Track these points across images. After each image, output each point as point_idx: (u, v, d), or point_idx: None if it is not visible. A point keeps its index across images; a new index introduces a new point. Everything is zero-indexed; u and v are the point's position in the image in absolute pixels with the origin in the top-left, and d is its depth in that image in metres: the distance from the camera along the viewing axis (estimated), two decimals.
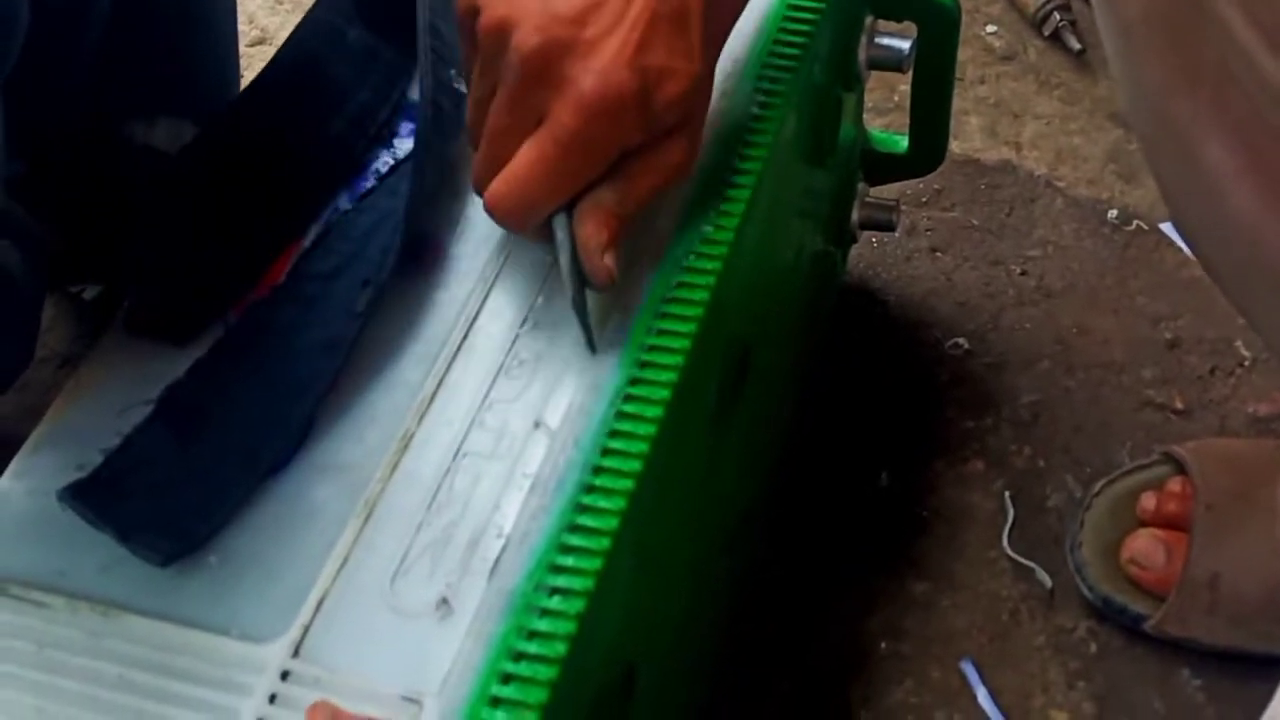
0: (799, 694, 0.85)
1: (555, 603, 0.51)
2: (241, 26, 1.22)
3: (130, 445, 0.58)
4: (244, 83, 1.16)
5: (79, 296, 1.00)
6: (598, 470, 0.55)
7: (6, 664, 0.52)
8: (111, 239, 0.90)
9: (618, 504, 0.54)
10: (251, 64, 1.19)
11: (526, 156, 0.57)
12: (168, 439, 0.58)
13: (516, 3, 0.56)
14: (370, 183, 0.69)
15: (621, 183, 0.59)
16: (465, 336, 0.62)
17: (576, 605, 0.51)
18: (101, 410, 0.61)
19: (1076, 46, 1.19)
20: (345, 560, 0.54)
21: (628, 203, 0.59)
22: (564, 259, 0.59)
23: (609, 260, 0.59)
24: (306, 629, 0.52)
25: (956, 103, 0.96)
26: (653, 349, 0.60)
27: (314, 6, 0.72)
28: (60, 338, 1.01)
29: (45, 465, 0.59)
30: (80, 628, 0.53)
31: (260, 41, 1.24)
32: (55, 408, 0.62)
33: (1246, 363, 0.99)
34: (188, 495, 0.56)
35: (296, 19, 0.74)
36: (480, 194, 0.60)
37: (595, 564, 0.52)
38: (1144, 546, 0.84)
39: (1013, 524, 0.91)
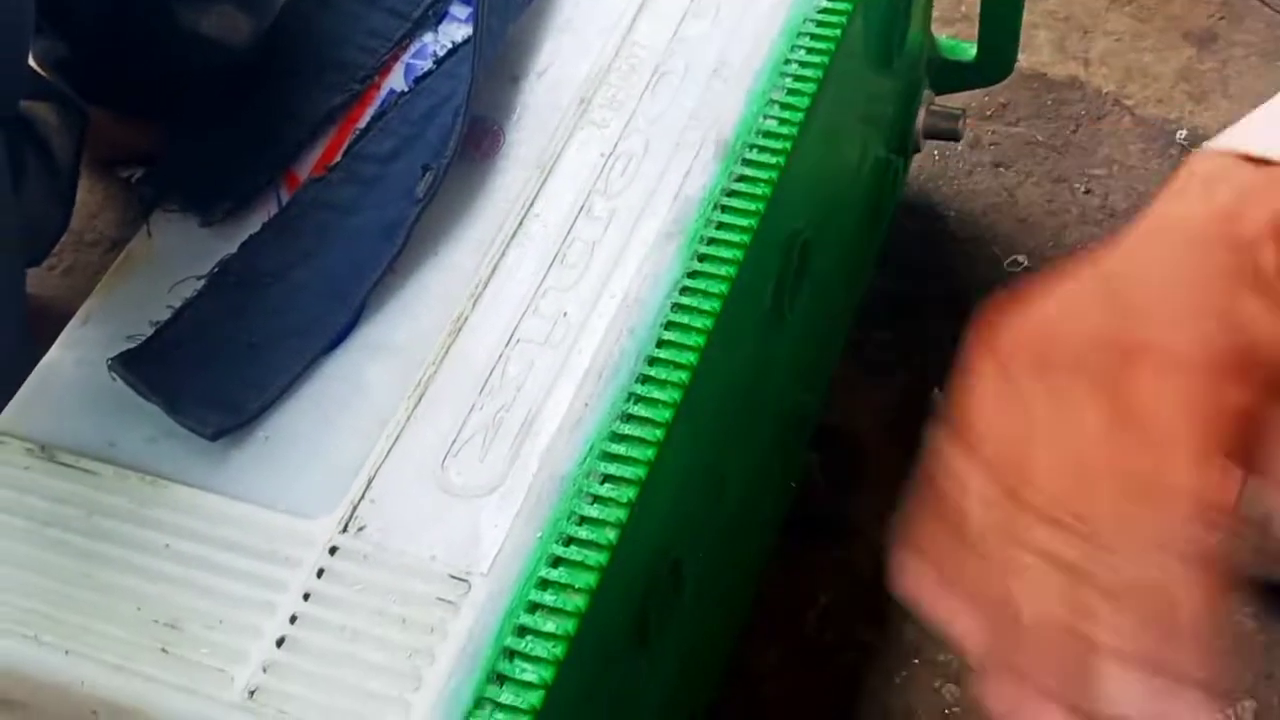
0: (842, 605, 0.85)
1: (607, 490, 0.51)
2: None
3: (181, 318, 0.58)
4: None
5: (128, 180, 1.00)
6: (653, 360, 0.55)
7: (55, 529, 0.52)
8: (162, 123, 0.89)
9: (672, 395, 0.53)
10: None
11: None
12: (220, 312, 0.58)
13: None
14: (428, 65, 0.67)
15: None
16: (521, 223, 0.61)
17: (628, 493, 0.50)
18: (152, 284, 0.60)
19: None
20: (396, 439, 0.53)
21: None
22: None
23: None
24: (355, 506, 0.51)
25: (1025, 16, 0.93)
26: (712, 241, 0.58)
27: None
28: (109, 221, 1.01)
29: (95, 336, 0.59)
30: (128, 496, 0.52)
31: None
32: (105, 281, 0.61)
33: None
34: (239, 370, 0.56)
35: None
36: None
37: (648, 453, 0.52)
38: None
39: None
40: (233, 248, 0.61)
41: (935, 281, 0.99)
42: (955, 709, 0.81)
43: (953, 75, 0.95)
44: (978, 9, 0.91)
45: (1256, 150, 0.43)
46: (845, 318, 0.90)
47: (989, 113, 1.08)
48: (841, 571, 0.86)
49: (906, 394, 0.94)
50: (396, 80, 0.67)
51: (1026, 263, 0.99)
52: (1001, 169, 1.05)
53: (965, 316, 0.97)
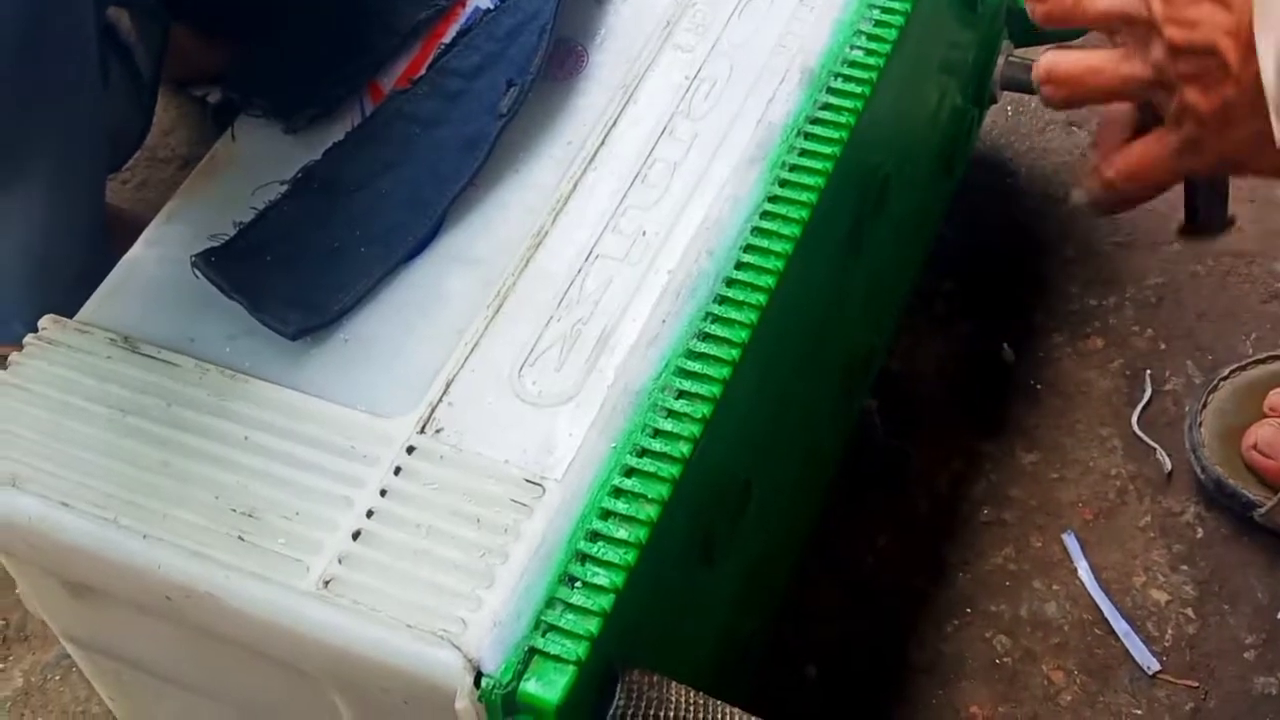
0: (897, 549, 0.85)
1: (681, 405, 0.51)
2: None
3: (265, 219, 0.58)
4: None
5: (204, 100, 1.00)
6: (730, 282, 0.55)
7: (135, 417, 0.52)
8: (241, 41, 0.89)
9: (749, 316, 0.53)
10: None
11: None
12: (303, 215, 0.58)
13: None
14: None
15: None
16: (603, 143, 0.61)
17: (703, 409, 0.51)
18: (236, 186, 0.60)
19: None
20: (474, 347, 0.53)
21: None
22: None
23: None
24: (433, 408, 0.52)
25: None
26: (794, 168, 0.58)
27: None
28: (181, 140, 1.02)
29: (178, 235, 0.59)
30: (209, 388, 0.53)
31: None
32: (189, 183, 0.61)
33: None
34: (321, 272, 0.56)
35: None
36: None
37: (723, 372, 0.52)
38: (1269, 435, 0.82)
39: (1145, 403, 0.89)
40: (317, 155, 0.61)
41: (1002, 237, 0.98)
42: (1006, 659, 0.81)
43: (1032, 28, 0.93)
44: None
45: None
46: (915, 263, 0.90)
47: None
48: (898, 517, 0.86)
49: (969, 346, 0.93)
50: None
51: (1096, 223, 0.99)
52: (1074, 128, 1.04)
53: (1030, 274, 0.96)
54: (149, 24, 0.83)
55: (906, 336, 0.92)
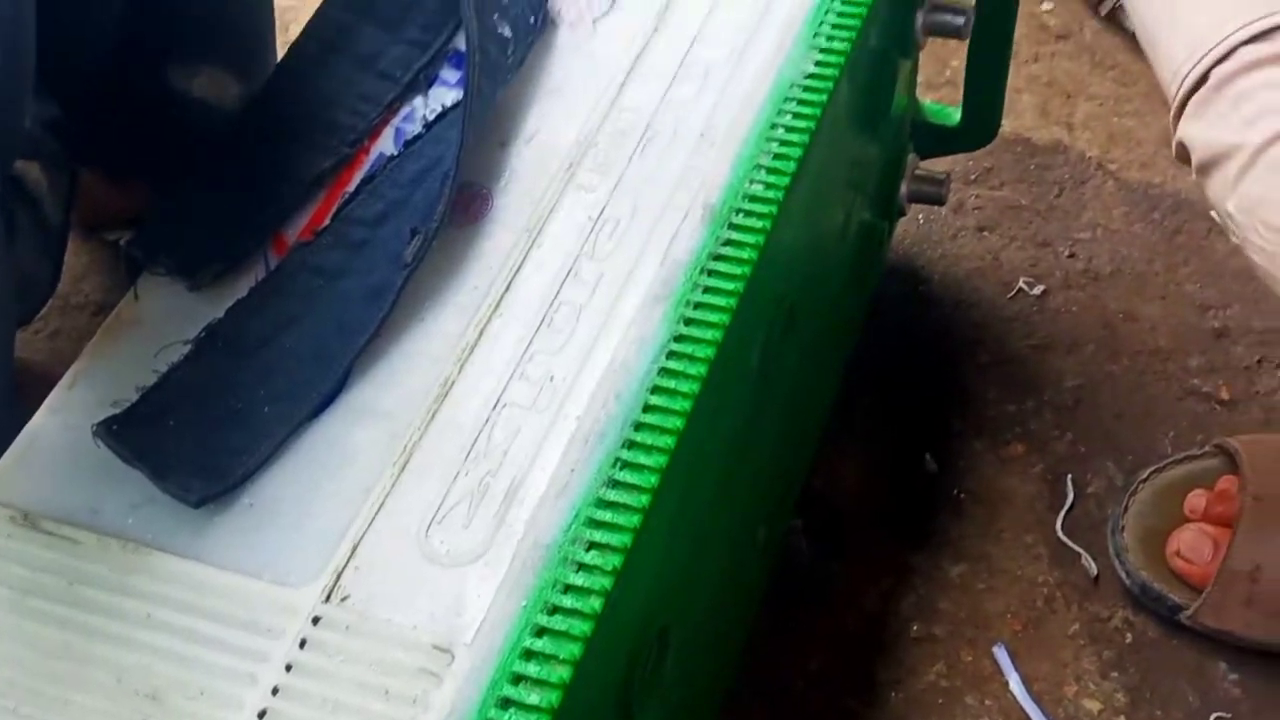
0: (828, 672, 0.84)
1: (592, 557, 0.50)
2: None
3: (167, 383, 0.57)
4: (290, 34, 1.16)
5: (115, 244, 1.00)
6: (639, 426, 0.54)
7: (36, 599, 0.51)
8: (152, 185, 0.89)
9: (658, 460, 0.53)
10: (298, 16, 1.18)
11: None
12: (206, 376, 0.58)
13: None
14: (417, 129, 0.68)
15: None
16: (508, 287, 0.61)
17: (613, 561, 0.50)
18: (139, 348, 0.60)
19: (1133, 28, 1.17)
20: (380, 506, 0.53)
21: None
22: None
23: None
24: (339, 574, 0.51)
25: (1010, 80, 0.94)
26: (699, 305, 0.58)
27: None
28: (95, 285, 1.01)
29: (81, 401, 0.58)
30: (111, 564, 0.52)
31: None
32: (92, 345, 0.61)
33: None
34: (224, 435, 0.55)
35: None
36: None
37: (634, 520, 0.51)
38: (1191, 540, 0.83)
39: (1068, 507, 0.90)
40: (220, 312, 0.60)
41: (919, 346, 0.99)
42: None
43: (937, 140, 0.96)
44: (962, 74, 0.92)
45: None
46: (831, 380, 0.90)
47: (973, 177, 1.09)
48: (828, 637, 0.85)
49: (891, 458, 0.93)
50: (386, 144, 0.67)
51: (1012, 327, 1.00)
52: (986, 233, 1.06)
53: (948, 381, 0.97)
54: (57, 173, 0.83)
55: (827, 451, 0.92)
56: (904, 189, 0.92)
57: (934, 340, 1.00)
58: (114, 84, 0.77)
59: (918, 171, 0.93)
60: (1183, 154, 0.57)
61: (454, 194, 0.62)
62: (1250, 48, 0.53)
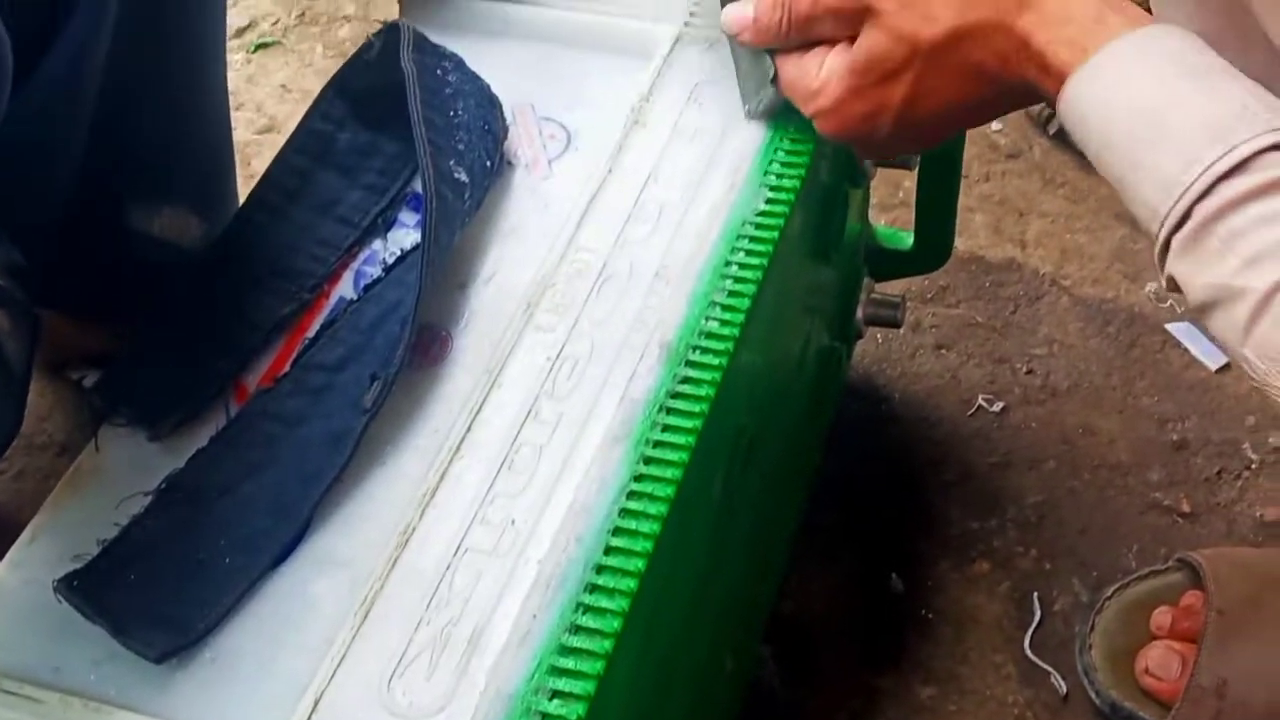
0: None
1: (555, 706, 0.50)
2: (250, 114, 1.23)
3: (127, 537, 0.58)
4: (253, 168, 1.18)
5: (79, 383, 1.00)
6: (600, 569, 0.55)
7: None
8: (115, 325, 0.90)
9: (620, 604, 0.53)
10: (261, 151, 1.20)
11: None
12: (167, 529, 0.58)
13: None
14: (377, 272, 0.69)
15: None
16: (469, 429, 0.61)
17: (577, 709, 0.50)
18: (100, 501, 0.60)
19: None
20: (343, 658, 0.53)
21: None
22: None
23: None
24: None
25: (961, 199, 0.96)
26: (657, 444, 0.59)
27: (307, 114, 0.72)
28: (59, 425, 1.01)
29: (41, 556, 0.58)
30: None
31: (269, 129, 1.25)
32: (53, 498, 0.61)
33: (1254, 465, 0.99)
34: (185, 588, 0.55)
35: (303, 106, 0.74)
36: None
37: (597, 666, 0.51)
38: (1159, 657, 0.83)
39: (1035, 625, 0.90)
40: (181, 462, 0.61)
41: (881, 465, 1.00)
42: None
43: (892, 263, 0.97)
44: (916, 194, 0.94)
45: None
46: (795, 506, 0.91)
47: (929, 295, 1.10)
48: None
49: (858, 579, 0.94)
50: (346, 288, 0.68)
51: (973, 445, 1.01)
52: (943, 351, 1.07)
53: (912, 500, 0.98)
54: (20, 316, 0.83)
55: (794, 575, 0.92)
56: (860, 313, 0.94)
57: (896, 459, 1.01)
58: (75, 226, 0.78)
59: (873, 295, 0.95)
60: (1174, 288, 0.56)
61: (413, 338, 0.63)
62: (1230, 183, 0.53)
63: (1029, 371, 1.05)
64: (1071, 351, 1.07)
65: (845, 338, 0.95)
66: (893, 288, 1.01)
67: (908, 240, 0.96)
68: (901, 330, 1.06)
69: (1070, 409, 1.03)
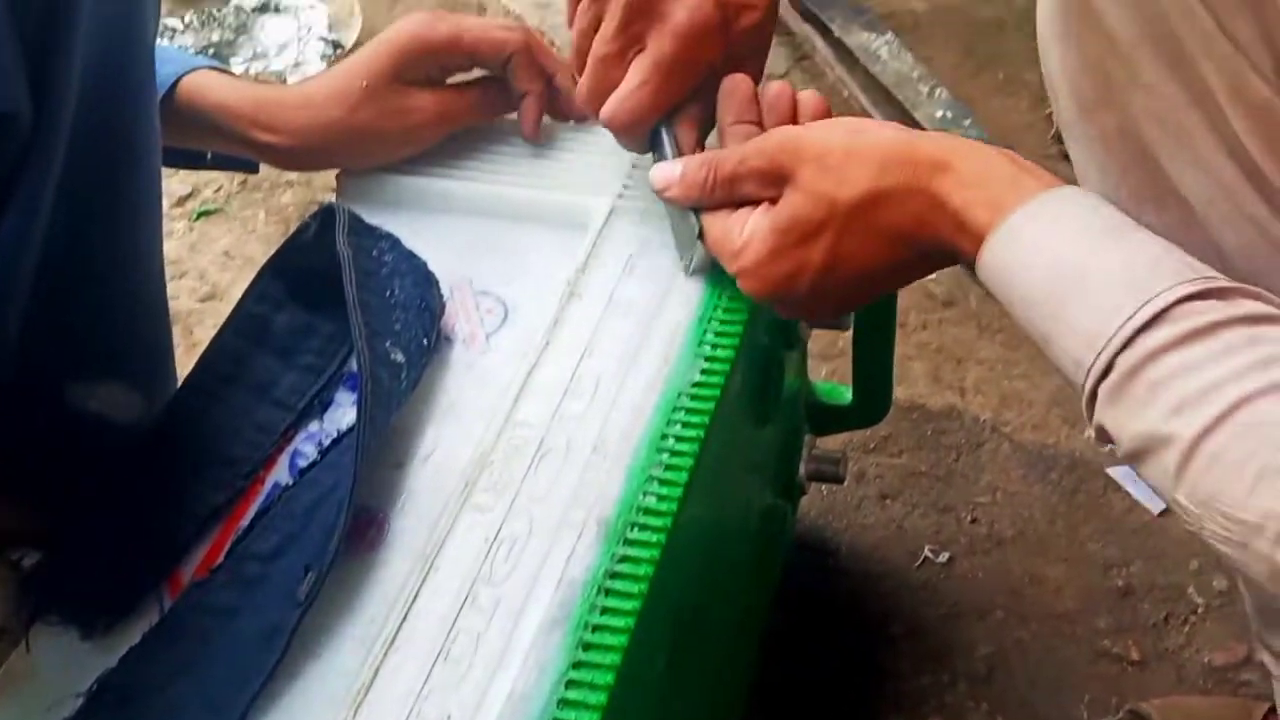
0: None
1: None
2: (192, 283, 1.23)
3: None
4: (195, 337, 1.18)
5: (18, 563, 0.98)
6: None
7: None
8: (52, 505, 0.88)
9: None
10: (203, 320, 1.20)
11: (634, 79, 0.71)
12: None
13: None
14: (313, 455, 0.68)
15: (706, 95, 0.72)
16: (405, 617, 0.60)
17: None
18: (30, 703, 0.59)
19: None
20: None
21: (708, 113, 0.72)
22: (667, 160, 0.71)
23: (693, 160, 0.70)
24: None
25: (899, 349, 0.97)
26: (597, 628, 0.59)
27: (244, 296, 0.72)
28: None
29: None
30: None
31: (211, 297, 1.25)
32: None
33: (1199, 609, 0.99)
34: None
35: (249, 275, 0.74)
36: (587, 112, 0.75)
37: None
38: None
39: None
40: (113, 660, 0.60)
41: (830, 620, 1.00)
42: None
43: (832, 419, 0.98)
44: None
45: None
46: (744, 666, 0.90)
47: (872, 445, 1.11)
48: None
49: None
50: (281, 473, 0.68)
51: (921, 596, 1.01)
52: (888, 501, 1.07)
53: (861, 656, 0.97)
54: None
55: None
56: (803, 469, 0.94)
57: (845, 613, 1.00)
58: (11, 407, 0.77)
59: (815, 451, 0.95)
60: (1104, 437, 0.57)
61: (349, 524, 0.62)
62: (1149, 334, 0.54)
63: (973, 520, 1.06)
64: (1015, 499, 1.07)
65: (789, 496, 0.95)
66: (834, 440, 1.02)
67: (847, 395, 0.97)
68: (846, 481, 1.07)
69: (1016, 557, 1.03)
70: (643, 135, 0.73)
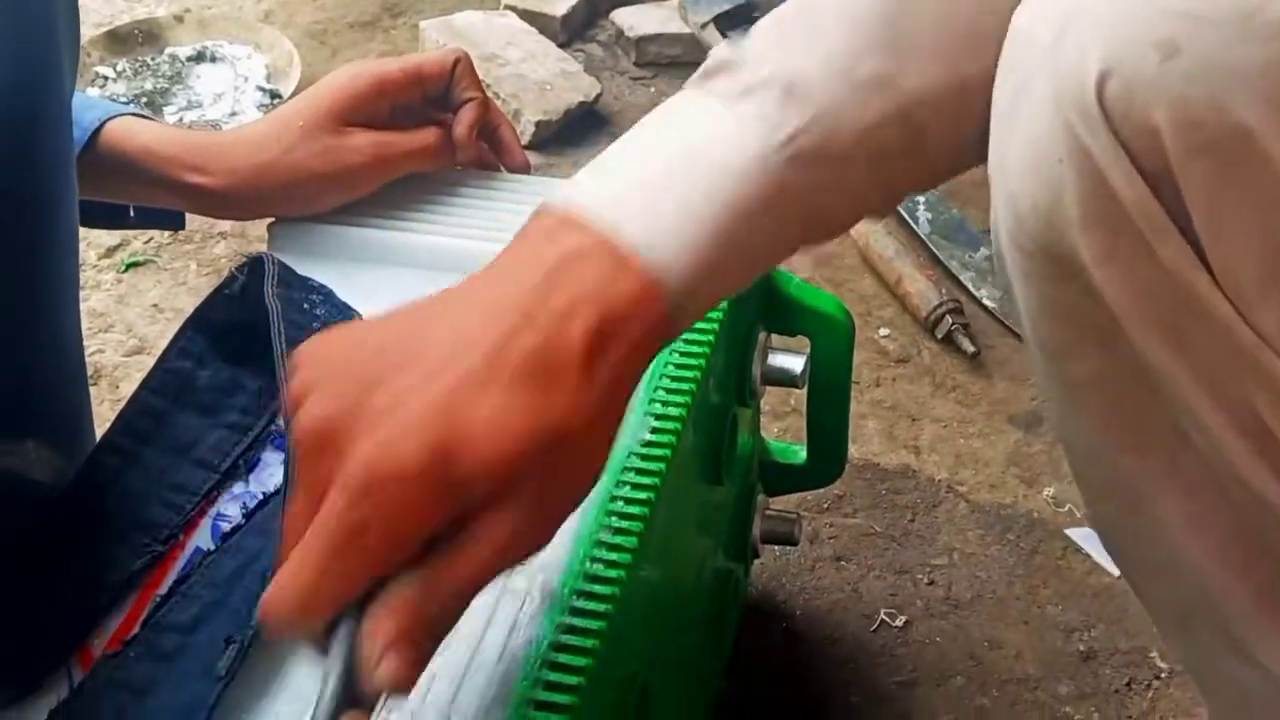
0: None
1: None
2: (119, 336, 1.19)
3: None
4: (121, 391, 1.13)
5: None
6: None
7: None
8: None
9: None
10: (129, 374, 1.16)
11: (296, 550, 0.45)
12: None
13: (324, 364, 0.48)
14: (238, 518, 0.64)
15: (424, 571, 0.45)
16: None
17: None
18: None
19: (970, 349, 1.19)
20: None
21: (431, 597, 0.45)
22: (332, 673, 0.45)
23: (391, 660, 0.45)
24: None
25: (853, 406, 0.94)
26: (540, 705, 0.55)
27: (165, 352, 0.68)
28: None
29: None
30: None
31: (139, 351, 1.20)
32: None
33: (1163, 674, 0.96)
34: None
35: (175, 326, 0.70)
36: None
37: None
38: None
39: None
40: None
41: (785, 687, 0.96)
42: None
43: (786, 478, 0.95)
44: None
45: (626, 239, 0.49)
46: None
47: (826, 505, 1.08)
48: None
49: None
50: (203, 538, 0.64)
51: (878, 662, 0.97)
52: (843, 563, 1.04)
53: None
54: None
55: None
56: (756, 531, 0.91)
57: (801, 681, 0.97)
58: None
59: (768, 512, 0.92)
60: None
61: None
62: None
63: (930, 583, 1.02)
64: (972, 560, 1.04)
65: (742, 557, 0.92)
66: (788, 500, 0.99)
67: (801, 454, 0.94)
68: (800, 544, 1.03)
69: (975, 621, 1.00)
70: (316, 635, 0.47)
